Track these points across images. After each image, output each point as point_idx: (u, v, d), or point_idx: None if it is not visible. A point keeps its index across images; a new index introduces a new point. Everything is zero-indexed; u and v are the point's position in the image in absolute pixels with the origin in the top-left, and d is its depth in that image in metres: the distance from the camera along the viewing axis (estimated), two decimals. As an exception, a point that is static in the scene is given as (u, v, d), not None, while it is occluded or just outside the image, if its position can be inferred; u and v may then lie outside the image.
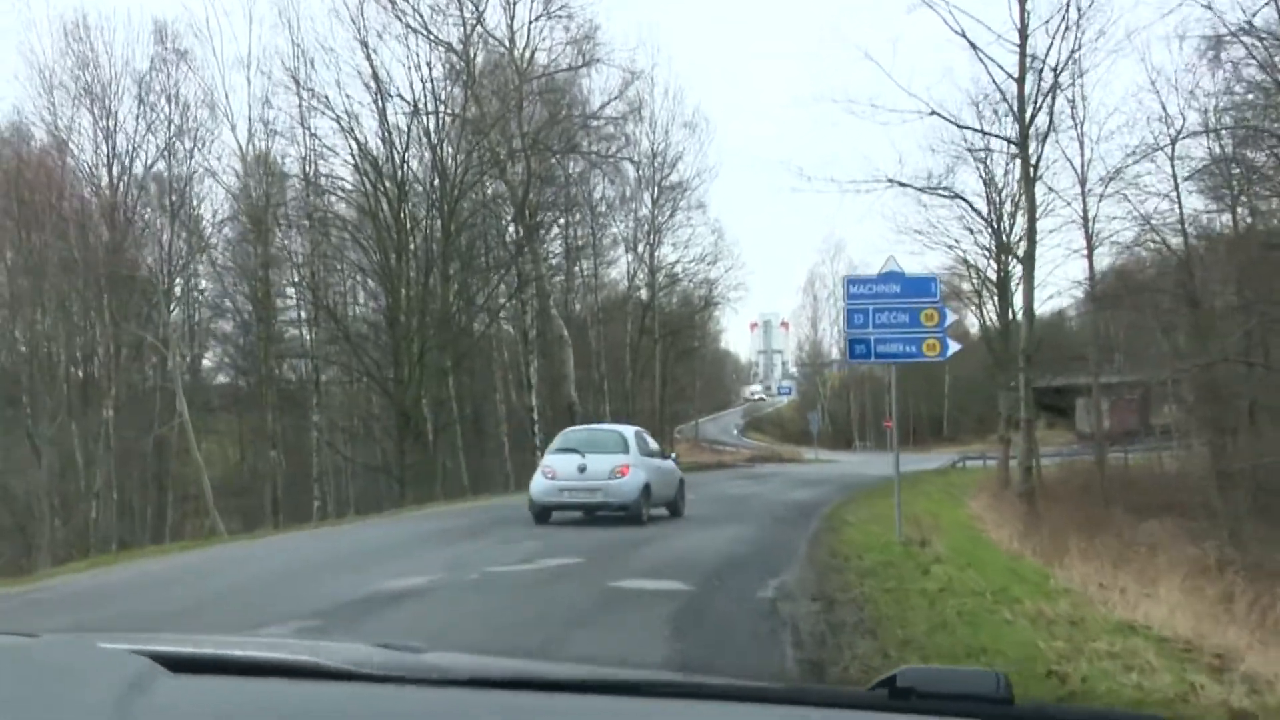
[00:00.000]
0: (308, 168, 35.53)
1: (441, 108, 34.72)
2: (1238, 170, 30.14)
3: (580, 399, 36.93)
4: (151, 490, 36.88)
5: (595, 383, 42.73)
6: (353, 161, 34.12)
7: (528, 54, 35.49)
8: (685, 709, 1.47)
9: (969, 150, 28.46)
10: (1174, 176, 31.17)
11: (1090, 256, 33.70)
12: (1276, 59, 21.81)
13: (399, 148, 33.83)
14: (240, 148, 36.67)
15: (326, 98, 33.28)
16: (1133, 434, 47.70)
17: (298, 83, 33.72)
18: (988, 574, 11.03)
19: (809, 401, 79.07)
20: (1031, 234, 21.99)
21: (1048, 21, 21.78)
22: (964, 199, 28.68)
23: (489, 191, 37.28)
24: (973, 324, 42.98)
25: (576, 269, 45.30)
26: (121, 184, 38.07)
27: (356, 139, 33.62)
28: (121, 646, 1.51)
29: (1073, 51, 21.64)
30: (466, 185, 34.94)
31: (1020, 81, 21.23)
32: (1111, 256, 36.98)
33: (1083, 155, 30.57)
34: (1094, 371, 38.37)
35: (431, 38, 33.66)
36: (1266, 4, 20.09)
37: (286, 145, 35.99)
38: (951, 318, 14.93)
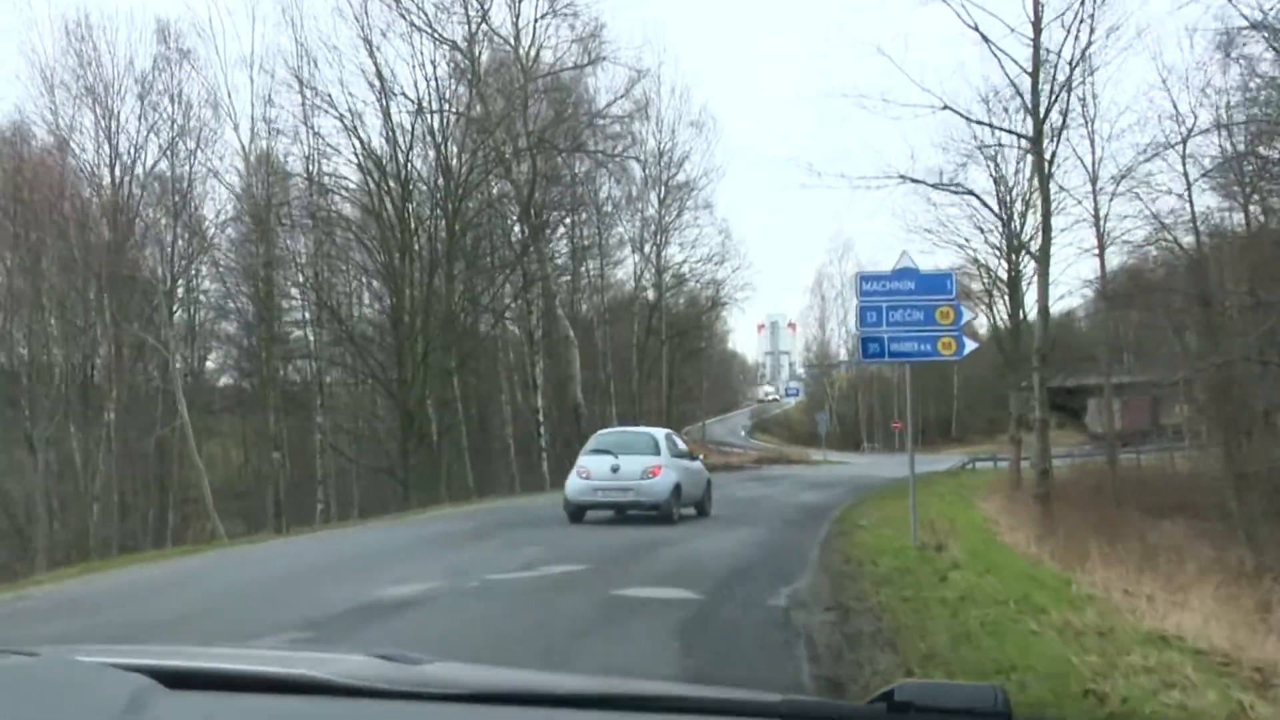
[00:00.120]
0: (311, 167, 35.28)
1: (446, 106, 34.52)
2: (1250, 167, 29.83)
3: (586, 400, 36.64)
4: (153, 493, 36.60)
5: (601, 384, 42.37)
6: (356, 160, 33.93)
7: (533, 52, 35.30)
8: None
9: (979, 148, 28.14)
10: (1185, 175, 30.93)
11: (1101, 255, 33.43)
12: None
13: (403, 147, 33.66)
14: (243, 147, 36.36)
15: (330, 96, 33.12)
16: (1144, 434, 47.36)
17: (301, 81, 33.54)
18: (1007, 580, 10.62)
19: (817, 403, 78.62)
20: (1046, 230, 21.63)
21: (1062, 14, 21.37)
22: (976, 195, 28.36)
23: (494, 191, 37.03)
24: (981, 324, 42.60)
25: (582, 269, 45.00)
26: (124, 184, 37.80)
27: (360, 138, 33.46)
28: (119, 662, 1.50)
29: (1085, 47, 21.23)
30: (471, 184, 34.68)
31: (1034, 75, 20.80)
32: (1123, 255, 36.64)
33: (1094, 153, 30.37)
34: (1106, 371, 38.02)
35: (436, 36, 33.53)
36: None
37: (290, 144, 35.72)
38: (968, 315, 14.52)
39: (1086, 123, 28.92)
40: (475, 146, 34.32)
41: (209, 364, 45.65)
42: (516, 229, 37.87)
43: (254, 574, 12.19)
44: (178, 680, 1.44)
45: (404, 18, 32.82)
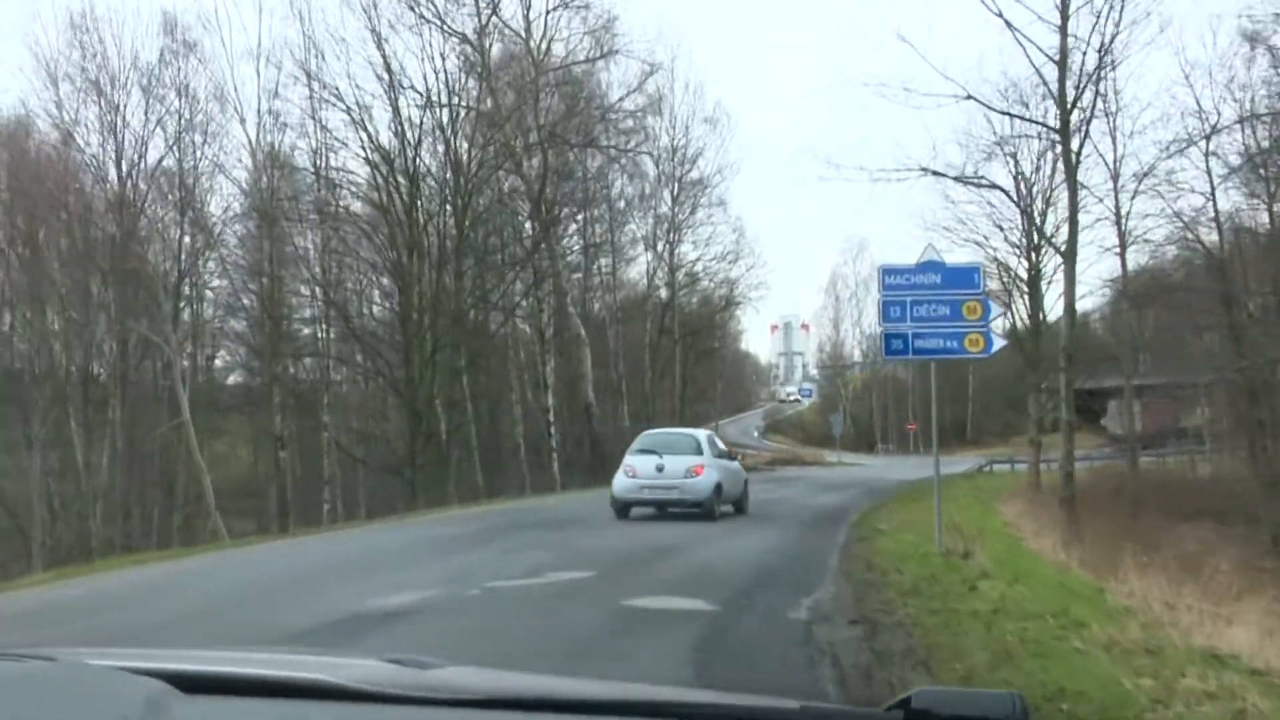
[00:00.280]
0: (319, 161, 34.78)
1: (455, 100, 34.03)
2: (1276, 165, 29.22)
3: (598, 400, 36.16)
4: (158, 492, 36.18)
5: (613, 383, 41.82)
6: (364, 155, 33.39)
7: (544, 45, 34.86)
8: None
9: (997, 144, 27.43)
10: (1209, 172, 30.30)
11: (1123, 254, 32.77)
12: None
13: (412, 141, 33.07)
14: (250, 141, 35.90)
15: (338, 90, 32.59)
16: (1164, 437, 46.69)
17: (308, 75, 33.05)
18: (1038, 590, 10.04)
19: (830, 404, 78.06)
20: (1073, 225, 20.91)
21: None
22: (1002, 189, 27.67)
23: (505, 186, 36.53)
24: (999, 325, 41.90)
25: (595, 267, 44.44)
26: (129, 179, 37.36)
27: (368, 132, 32.90)
28: (134, 666, 1.51)
29: (1115, 34, 20.53)
30: (481, 179, 34.17)
31: (1061, 64, 20.11)
32: (1144, 254, 35.96)
33: (1115, 150, 29.65)
34: (1127, 373, 37.36)
35: (445, 28, 33.04)
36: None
37: (297, 138, 35.25)
38: (996, 310, 13.91)
39: (1108, 118, 28.18)
40: (485, 141, 33.83)
41: (217, 362, 45.25)
42: (527, 225, 37.38)
43: (243, 580, 11.72)
44: (192, 685, 1.45)
45: (413, 10, 32.41)
